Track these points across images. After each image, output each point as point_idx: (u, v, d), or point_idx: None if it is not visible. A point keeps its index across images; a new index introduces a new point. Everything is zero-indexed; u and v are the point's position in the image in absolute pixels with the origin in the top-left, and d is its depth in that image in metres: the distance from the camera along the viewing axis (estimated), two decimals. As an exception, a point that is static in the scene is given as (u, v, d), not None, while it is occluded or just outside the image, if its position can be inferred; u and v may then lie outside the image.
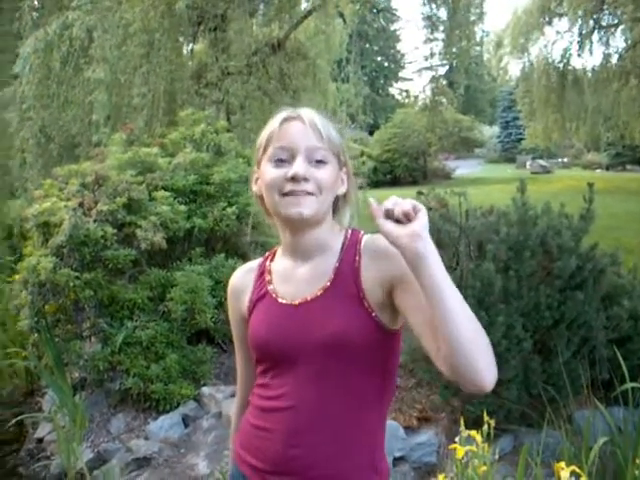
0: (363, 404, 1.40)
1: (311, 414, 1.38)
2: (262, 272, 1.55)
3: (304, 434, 1.38)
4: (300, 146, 1.38)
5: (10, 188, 9.80)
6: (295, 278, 1.47)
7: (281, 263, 1.52)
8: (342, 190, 1.48)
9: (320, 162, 1.39)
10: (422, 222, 1.18)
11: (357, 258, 1.42)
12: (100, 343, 4.80)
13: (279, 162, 1.39)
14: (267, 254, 1.60)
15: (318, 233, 1.44)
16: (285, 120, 1.41)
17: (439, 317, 1.18)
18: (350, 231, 1.50)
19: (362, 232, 1.50)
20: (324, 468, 1.37)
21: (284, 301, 1.46)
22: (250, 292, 1.55)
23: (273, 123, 1.43)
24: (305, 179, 1.36)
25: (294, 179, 1.36)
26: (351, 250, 1.45)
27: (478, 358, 1.18)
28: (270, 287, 1.50)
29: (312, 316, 1.39)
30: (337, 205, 1.49)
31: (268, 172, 1.40)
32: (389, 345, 1.42)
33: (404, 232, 1.18)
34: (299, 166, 1.36)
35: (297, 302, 1.44)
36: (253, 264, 1.61)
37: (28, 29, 9.04)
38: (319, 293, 1.42)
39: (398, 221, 1.19)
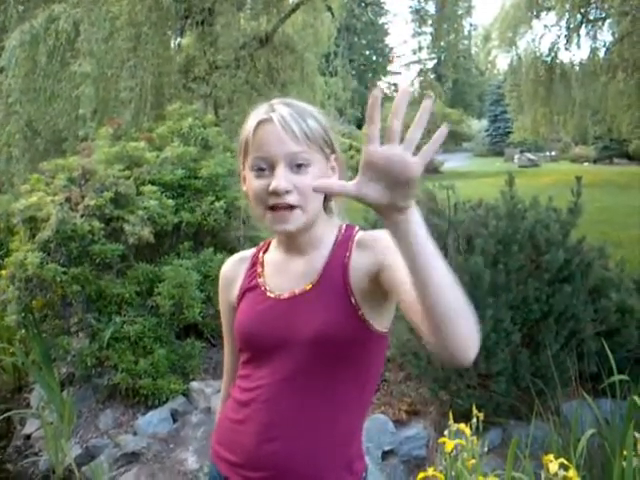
0: (341, 403, 1.39)
1: (287, 409, 1.37)
2: (254, 263, 1.54)
3: (278, 429, 1.37)
4: (278, 155, 1.32)
5: (-4, 183, 9.72)
6: (286, 272, 1.46)
7: (274, 256, 1.51)
8: (335, 179, 1.43)
9: (302, 166, 1.34)
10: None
11: (347, 254, 1.40)
12: (88, 338, 4.77)
13: (260, 171, 1.35)
14: (261, 244, 1.58)
15: (311, 231, 1.42)
16: (259, 124, 1.35)
17: (420, 281, 1.04)
18: (345, 226, 1.48)
19: (357, 228, 1.48)
20: (297, 464, 1.36)
21: (272, 294, 1.45)
22: (241, 282, 1.54)
23: (248, 126, 1.37)
24: (287, 191, 1.32)
25: (276, 193, 1.32)
26: (343, 246, 1.42)
27: (461, 329, 1.07)
28: (260, 279, 1.49)
29: (298, 311, 1.38)
30: (327, 196, 1.46)
31: (251, 183, 1.38)
32: (373, 347, 1.40)
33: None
34: (279, 179, 1.31)
35: (285, 296, 1.43)
36: (246, 253, 1.59)
37: (14, 22, 8.97)
38: (307, 288, 1.40)
39: None
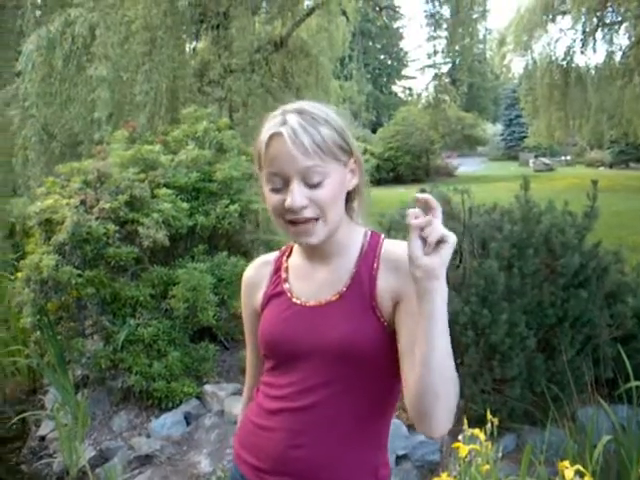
0: (368, 409, 1.38)
1: (315, 417, 1.36)
2: (278, 268, 1.52)
3: (307, 436, 1.36)
4: (290, 171, 1.29)
5: (13, 186, 9.79)
6: (312, 279, 1.44)
7: (298, 261, 1.49)
8: (354, 183, 1.41)
9: (317, 179, 1.30)
10: (443, 258, 1.13)
11: (375, 265, 1.39)
12: (102, 341, 4.80)
13: (275, 186, 1.33)
14: (284, 248, 1.56)
15: (335, 236, 1.39)
16: (270, 138, 1.30)
17: (420, 356, 1.19)
18: (370, 233, 1.45)
19: (382, 236, 1.46)
20: (324, 471, 1.36)
21: (298, 301, 1.43)
22: (265, 287, 1.52)
23: (261, 139, 1.33)
24: (303, 207, 1.30)
25: (292, 210, 1.30)
26: (370, 255, 1.40)
27: (436, 414, 1.21)
28: (286, 285, 1.47)
29: (325, 320, 1.37)
30: (349, 198, 1.42)
31: (268, 196, 1.35)
32: (398, 354, 1.37)
33: (423, 263, 1.13)
34: (294, 196, 1.29)
35: (311, 304, 1.41)
36: (269, 257, 1.57)
37: (30, 26, 9.05)
38: (334, 298, 1.39)
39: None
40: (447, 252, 1.13)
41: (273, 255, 1.57)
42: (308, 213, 1.31)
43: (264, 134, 1.33)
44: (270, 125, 1.33)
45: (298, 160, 1.28)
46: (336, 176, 1.33)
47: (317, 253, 1.43)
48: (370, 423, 1.39)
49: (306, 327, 1.39)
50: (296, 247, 1.51)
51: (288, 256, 1.53)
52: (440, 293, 1.15)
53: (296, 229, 1.33)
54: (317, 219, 1.32)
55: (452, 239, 1.13)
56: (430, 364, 1.17)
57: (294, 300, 1.44)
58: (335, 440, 1.36)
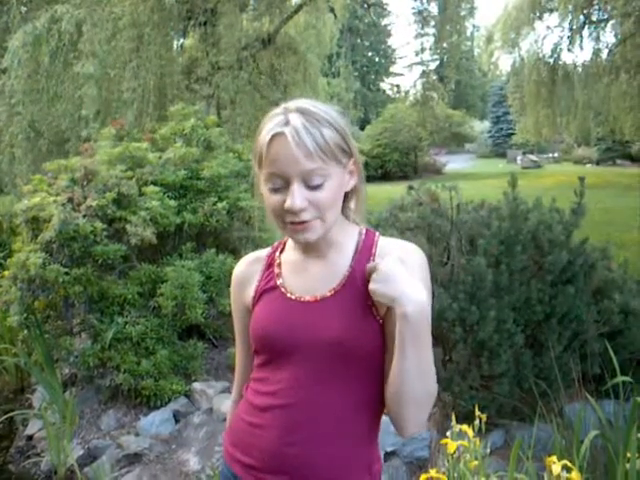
0: (361, 405, 1.38)
1: (308, 413, 1.36)
2: (271, 263, 1.51)
3: (300, 433, 1.35)
4: (291, 173, 1.28)
5: (-1, 184, 9.74)
6: (306, 274, 1.44)
7: (292, 257, 1.48)
8: (352, 184, 1.41)
9: (317, 182, 1.30)
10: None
11: None
12: (90, 339, 4.78)
13: (274, 186, 1.32)
14: (276, 244, 1.55)
15: (329, 234, 1.39)
16: (273, 138, 1.29)
17: (394, 367, 1.29)
18: (365, 231, 1.46)
19: (378, 234, 1.46)
20: (319, 467, 1.35)
21: (293, 296, 1.42)
22: (256, 282, 1.50)
23: (262, 138, 1.32)
24: (303, 209, 1.30)
25: (291, 211, 1.30)
26: (365, 253, 1.41)
27: (406, 416, 1.32)
28: (279, 280, 1.46)
29: (320, 316, 1.37)
30: (346, 198, 1.42)
31: (267, 196, 1.35)
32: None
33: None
34: (294, 198, 1.28)
35: (306, 299, 1.41)
36: (261, 254, 1.56)
37: (16, 23, 9.01)
38: (329, 294, 1.39)
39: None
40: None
41: (265, 251, 1.56)
42: (307, 215, 1.31)
43: (266, 133, 1.31)
44: (272, 124, 1.31)
45: (300, 162, 1.27)
46: (336, 178, 1.34)
47: (312, 249, 1.43)
48: (364, 418, 1.40)
49: (300, 322, 1.38)
50: (289, 243, 1.51)
51: (281, 252, 1.52)
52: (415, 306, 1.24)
53: (295, 227, 1.33)
54: (316, 219, 1.33)
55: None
56: (403, 367, 1.26)
57: (288, 295, 1.43)
58: (330, 436, 1.36)
